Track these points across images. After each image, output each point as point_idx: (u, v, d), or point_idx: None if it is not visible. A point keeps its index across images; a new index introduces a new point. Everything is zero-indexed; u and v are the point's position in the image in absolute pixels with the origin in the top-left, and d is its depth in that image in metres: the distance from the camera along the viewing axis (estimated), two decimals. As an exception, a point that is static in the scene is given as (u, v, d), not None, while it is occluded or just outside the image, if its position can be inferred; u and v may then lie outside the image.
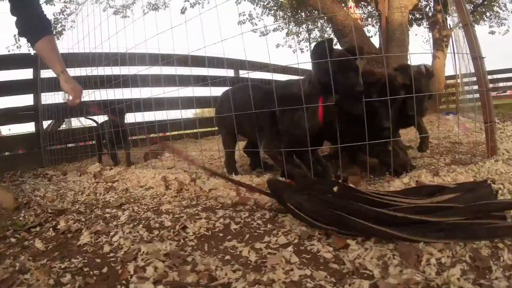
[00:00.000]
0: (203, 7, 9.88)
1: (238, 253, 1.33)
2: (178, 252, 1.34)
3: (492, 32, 11.65)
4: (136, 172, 2.94)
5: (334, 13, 5.31)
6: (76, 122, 5.43)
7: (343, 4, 7.29)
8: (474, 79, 2.74)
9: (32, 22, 2.25)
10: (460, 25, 2.70)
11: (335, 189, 1.51)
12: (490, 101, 2.45)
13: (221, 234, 1.55)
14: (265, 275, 1.08)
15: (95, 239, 1.57)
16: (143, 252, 1.33)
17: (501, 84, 12.74)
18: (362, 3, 10.12)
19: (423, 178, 1.94)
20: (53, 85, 4.61)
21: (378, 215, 1.36)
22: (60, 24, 9.69)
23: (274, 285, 1.03)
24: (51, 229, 1.74)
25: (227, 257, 1.28)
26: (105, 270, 1.23)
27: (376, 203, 1.44)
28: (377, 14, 7.38)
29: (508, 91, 12.70)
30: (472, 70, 2.61)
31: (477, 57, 2.44)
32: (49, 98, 5.05)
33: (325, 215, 1.43)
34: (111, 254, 1.38)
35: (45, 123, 5.15)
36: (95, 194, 2.56)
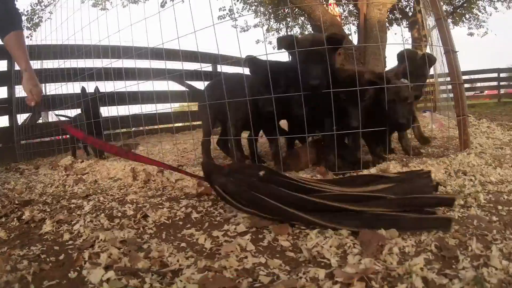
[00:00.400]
0: (183, 2, 9.72)
1: (194, 240, 1.31)
2: (135, 239, 1.33)
3: (471, 34, 11.86)
4: (106, 164, 2.93)
5: (313, 8, 5.30)
6: (53, 116, 5.26)
7: (323, 1, 7.28)
8: (449, 79, 2.74)
9: (1, 16, 2.22)
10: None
11: (261, 173, 1.55)
12: (463, 94, 2.46)
13: (181, 223, 1.52)
14: (217, 262, 1.05)
15: (56, 228, 1.55)
16: (101, 239, 1.32)
17: (478, 84, 12.97)
18: (344, 1, 10.16)
19: (391, 169, 1.91)
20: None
21: (297, 200, 1.39)
22: (37, 16, 9.46)
23: (225, 272, 1.00)
24: (15, 219, 1.73)
25: (183, 244, 1.27)
26: (61, 257, 1.21)
27: (301, 189, 1.47)
28: (356, 12, 7.42)
29: (486, 91, 12.94)
30: (447, 70, 2.61)
31: (450, 51, 2.43)
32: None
33: (246, 198, 1.48)
34: (70, 242, 1.36)
35: (20, 117, 5.02)
36: (64, 186, 2.53)
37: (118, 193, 2.14)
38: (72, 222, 1.59)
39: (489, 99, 12.38)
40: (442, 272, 0.92)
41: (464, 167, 2.03)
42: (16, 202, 2.06)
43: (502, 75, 11.97)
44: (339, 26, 5.74)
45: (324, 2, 7.13)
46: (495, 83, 11.87)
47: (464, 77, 2.56)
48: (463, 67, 2.63)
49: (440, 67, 3.75)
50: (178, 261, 1.10)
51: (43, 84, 4.76)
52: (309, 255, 1.07)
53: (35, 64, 4.65)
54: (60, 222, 1.61)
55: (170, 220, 1.55)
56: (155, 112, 3.53)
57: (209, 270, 1.01)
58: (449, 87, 3.13)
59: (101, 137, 3.64)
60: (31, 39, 7.77)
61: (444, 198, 1.44)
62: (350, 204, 1.35)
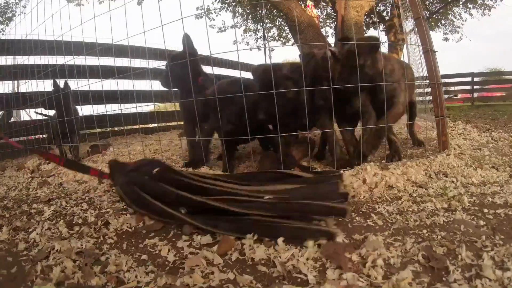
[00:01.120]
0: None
1: (157, 252, 1.20)
2: (92, 250, 1.21)
3: (446, 39, 12.03)
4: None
5: (290, 9, 5.25)
6: (25, 115, 5.03)
7: (301, 3, 7.26)
8: (426, 82, 2.69)
9: None
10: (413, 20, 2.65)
11: (154, 171, 1.53)
12: (441, 95, 2.41)
13: (144, 231, 1.39)
14: (180, 279, 0.94)
15: (12, 235, 1.42)
16: (56, 250, 1.21)
17: (452, 88, 13.21)
18: (322, 4, 10.19)
19: (368, 170, 1.81)
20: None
21: (180, 199, 1.38)
22: (10, 10, 9.11)
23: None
24: None
25: (144, 256, 1.16)
26: (14, 269, 1.10)
27: (191, 187, 1.45)
28: (334, 14, 7.42)
29: (459, 95, 13.17)
30: (424, 73, 2.56)
31: (428, 50, 2.38)
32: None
33: (133, 198, 1.48)
34: (25, 252, 1.25)
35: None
36: (27, 189, 2.38)
37: (81, 198, 1.99)
38: (29, 230, 1.47)
39: (462, 102, 12.59)
40: (434, 287, 0.83)
41: (444, 169, 1.99)
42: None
43: (475, 79, 12.22)
44: (316, 28, 5.71)
45: (302, 3, 7.11)
46: (468, 87, 12.09)
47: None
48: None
49: (417, 70, 3.72)
50: (136, 277, 0.99)
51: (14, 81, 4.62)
52: (283, 270, 0.96)
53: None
54: (17, 230, 1.48)
55: (133, 228, 1.42)
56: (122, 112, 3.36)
57: (169, 288, 0.89)
58: (427, 89, 3.09)
59: (75, 136, 3.49)
60: (3, 34, 7.50)
61: (336, 208, 1.36)
62: (233, 205, 1.31)
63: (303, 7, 6.52)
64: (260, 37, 12.16)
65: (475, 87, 12.24)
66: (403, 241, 1.08)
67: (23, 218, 1.66)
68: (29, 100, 3.84)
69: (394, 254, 0.99)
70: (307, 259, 1.01)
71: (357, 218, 1.35)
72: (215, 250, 1.12)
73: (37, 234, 1.40)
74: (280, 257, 1.04)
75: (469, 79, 12.05)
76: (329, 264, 0.97)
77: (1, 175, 3.09)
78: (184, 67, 2.44)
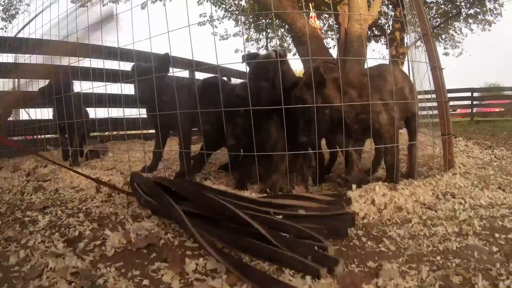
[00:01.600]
0: (164, 5, 9.54)
1: (159, 276, 1.11)
2: (89, 271, 1.14)
3: (446, 54, 12.09)
4: (70, 172, 2.62)
5: (294, 20, 5.25)
6: (24, 114, 5.03)
7: (304, 14, 7.28)
8: (428, 96, 2.66)
9: None
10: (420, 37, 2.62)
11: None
12: (448, 112, 2.38)
13: (145, 251, 1.31)
14: None
15: (4, 247, 1.35)
16: (50, 268, 1.14)
17: (451, 103, 13.26)
18: (324, 15, 10.23)
19: (377, 190, 1.76)
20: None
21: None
22: (14, 7, 9.10)
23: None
24: None
25: (145, 282, 1.08)
26: (4, 287, 1.04)
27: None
28: (336, 26, 7.43)
29: (458, 110, 13.22)
30: (426, 88, 2.56)
31: (436, 67, 2.35)
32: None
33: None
34: (16, 268, 1.17)
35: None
36: (22, 194, 2.30)
37: (77, 207, 1.92)
38: (22, 242, 1.39)
39: (461, 117, 12.64)
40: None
41: (451, 189, 1.95)
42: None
43: (475, 94, 12.29)
44: (319, 39, 5.71)
45: (305, 15, 7.12)
46: (468, 102, 12.14)
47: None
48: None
49: (420, 83, 3.70)
50: None
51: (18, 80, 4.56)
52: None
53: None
54: (8, 240, 1.40)
55: (133, 248, 1.33)
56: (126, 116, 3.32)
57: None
58: (428, 104, 3.05)
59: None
60: (6, 31, 7.48)
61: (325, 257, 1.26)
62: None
63: (306, 18, 6.54)
64: (262, 47, 12.21)
65: (474, 102, 12.31)
66: (418, 269, 1.04)
67: (15, 226, 1.59)
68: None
69: (411, 284, 0.96)
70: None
71: (368, 242, 1.31)
72: (224, 279, 1.05)
73: (30, 247, 1.33)
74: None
75: (469, 94, 12.11)
76: None
77: None
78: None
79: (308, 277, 1.03)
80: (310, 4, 7.81)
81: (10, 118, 4.81)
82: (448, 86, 2.55)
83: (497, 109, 12.59)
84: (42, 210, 1.89)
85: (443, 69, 2.40)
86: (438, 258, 1.14)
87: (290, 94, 2.06)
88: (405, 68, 8.16)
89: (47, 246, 1.35)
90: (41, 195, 2.25)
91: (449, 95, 12.33)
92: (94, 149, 3.80)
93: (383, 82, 2.14)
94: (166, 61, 2.71)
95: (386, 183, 1.84)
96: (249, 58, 2.42)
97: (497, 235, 1.33)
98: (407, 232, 1.39)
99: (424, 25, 2.41)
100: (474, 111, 12.38)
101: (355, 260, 1.16)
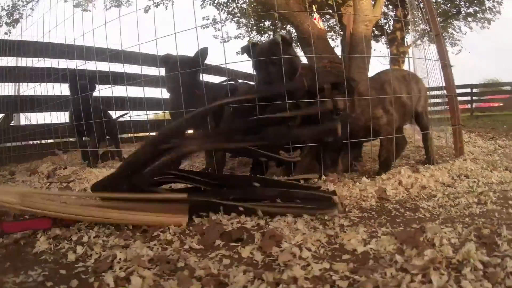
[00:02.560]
0: (167, 9, 9.76)
1: (237, 256, 1.17)
2: (165, 256, 1.13)
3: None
4: (94, 171, 2.67)
5: (301, 21, 5.39)
6: (26, 119, 5.00)
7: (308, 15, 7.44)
8: (434, 92, 2.91)
9: None
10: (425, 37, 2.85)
11: None
12: (457, 106, 2.63)
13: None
14: (283, 274, 0.95)
15: (54, 245, 1.29)
16: (120, 259, 1.11)
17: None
18: (326, 16, 10.38)
19: (402, 173, 2.02)
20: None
21: None
22: (17, 12, 9.17)
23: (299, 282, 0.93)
24: None
25: (226, 261, 1.11)
26: (74, 283, 0.98)
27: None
28: (338, 27, 7.60)
29: (459, 106, 13.43)
30: (432, 84, 2.82)
31: (447, 65, 2.60)
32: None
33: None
34: (80, 264, 1.12)
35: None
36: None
37: None
38: (73, 239, 1.34)
39: (461, 113, 12.84)
40: (493, 255, 1.02)
41: (464, 171, 2.19)
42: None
43: (474, 90, 12.58)
44: (325, 40, 5.87)
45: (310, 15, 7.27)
46: (467, 98, 12.37)
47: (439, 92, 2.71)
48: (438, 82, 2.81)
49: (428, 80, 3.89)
50: (234, 276, 0.95)
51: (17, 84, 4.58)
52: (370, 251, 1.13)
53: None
54: (57, 239, 1.34)
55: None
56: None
57: (279, 283, 0.92)
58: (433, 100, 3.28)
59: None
60: (9, 36, 7.51)
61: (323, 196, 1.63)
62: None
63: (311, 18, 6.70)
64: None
65: (474, 98, 12.54)
66: (453, 227, 1.28)
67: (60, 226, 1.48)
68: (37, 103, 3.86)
69: (452, 236, 1.18)
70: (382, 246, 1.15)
71: (407, 212, 1.55)
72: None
73: (85, 243, 1.29)
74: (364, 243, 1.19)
75: (469, 90, 12.33)
76: (405, 246, 1.13)
77: (12, 179, 2.92)
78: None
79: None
80: (313, 6, 7.99)
81: (12, 123, 4.78)
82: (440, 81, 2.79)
83: (496, 104, 12.82)
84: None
85: (452, 66, 2.66)
86: (467, 219, 1.39)
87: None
88: (405, 66, 8.36)
89: (104, 240, 1.32)
90: (71, 194, 2.15)
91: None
92: (106, 151, 3.63)
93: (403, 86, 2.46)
94: (204, 55, 2.63)
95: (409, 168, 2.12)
96: (249, 47, 2.41)
97: (511, 202, 1.59)
98: (435, 204, 1.63)
99: (436, 26, 2.66)
100: (474, 106, 12.61)
101: (401, 224, 1.38)
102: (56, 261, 1.16)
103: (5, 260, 1.18)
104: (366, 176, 2.18)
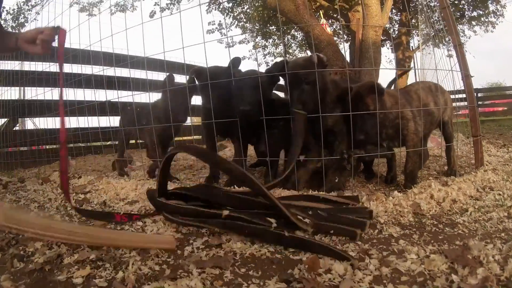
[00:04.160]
0: (171, 13, 9.75)
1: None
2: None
3: (450, 55, 12.32)
4: (112, 182, 2.55)
5: (312, 27, 5.41)
6: (31, 123, 5.01)
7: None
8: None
9: None
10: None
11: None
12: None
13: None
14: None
15: (92, 267, 1.19)
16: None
17: (453, 104, 13.49)
18: (331, 21, 10.41)
19: (433, 187, 2.03)
20: (6, 79, 4.26)
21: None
22: (23, 15, 9.24)
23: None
24: (16, 257, 1.28)
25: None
26: None
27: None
28: (345, 32, 7.62)
29: (461, 111, 13.45)
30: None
31: (468, 75, 2.62)
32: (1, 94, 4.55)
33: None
34: None
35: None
36: (66, 208, 2.08)
37: (142, 220, 1.75)
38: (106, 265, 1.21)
39: (464, 118, 12.84)
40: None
41: (487, 183, 2.20)
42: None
43: (479, 94, 12.58)
44: (334, 46, 5.89)
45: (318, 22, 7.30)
46: (471, 102, 12.37)
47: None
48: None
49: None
50: None
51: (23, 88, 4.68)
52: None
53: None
54: (94, 261, 1.23)
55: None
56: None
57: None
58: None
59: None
60: None
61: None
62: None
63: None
64: (268, 54, 12.40)
65: (478, 102, 12.57)
66: (493, 243, 1.31)
67: (83, 247, 1.34)
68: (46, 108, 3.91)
69: (494, 252, 1.21)
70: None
71: (446, 228, 1.56)
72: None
73: (127, 270, 1.18)
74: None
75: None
76: (456, 265, 1.15)
77: (23, 187, 2.73)
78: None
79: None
80: (320, 11, 8.03)
81: (16, 127, 4.79)
82: (451, 88, 2.82)
83: (501, 108, 12.84)
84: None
85: (472, 76, 2.68)
86: (503, 234, 1.42)
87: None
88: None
89: (150, 268, 1.21)
90: (89, 208, 2.09)
91: (453, 96, 12.63)
92: (118, 159, 3.42)
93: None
94: (236, 64, 2.61)
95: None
96: (281, 65, 2.33)
97: (539, 216, 1.61)
98: (470, 219, 1.65)
99: (457, 36, 2.67)
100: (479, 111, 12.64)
101: (444, 242, 1.39)
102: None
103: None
104: (398, 190, 2.18)
